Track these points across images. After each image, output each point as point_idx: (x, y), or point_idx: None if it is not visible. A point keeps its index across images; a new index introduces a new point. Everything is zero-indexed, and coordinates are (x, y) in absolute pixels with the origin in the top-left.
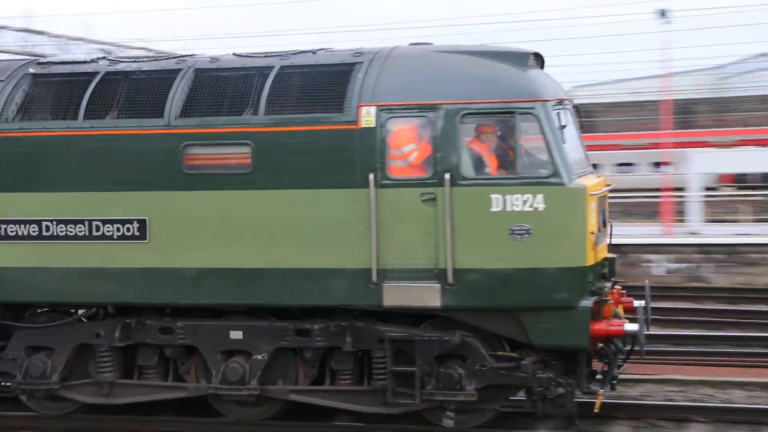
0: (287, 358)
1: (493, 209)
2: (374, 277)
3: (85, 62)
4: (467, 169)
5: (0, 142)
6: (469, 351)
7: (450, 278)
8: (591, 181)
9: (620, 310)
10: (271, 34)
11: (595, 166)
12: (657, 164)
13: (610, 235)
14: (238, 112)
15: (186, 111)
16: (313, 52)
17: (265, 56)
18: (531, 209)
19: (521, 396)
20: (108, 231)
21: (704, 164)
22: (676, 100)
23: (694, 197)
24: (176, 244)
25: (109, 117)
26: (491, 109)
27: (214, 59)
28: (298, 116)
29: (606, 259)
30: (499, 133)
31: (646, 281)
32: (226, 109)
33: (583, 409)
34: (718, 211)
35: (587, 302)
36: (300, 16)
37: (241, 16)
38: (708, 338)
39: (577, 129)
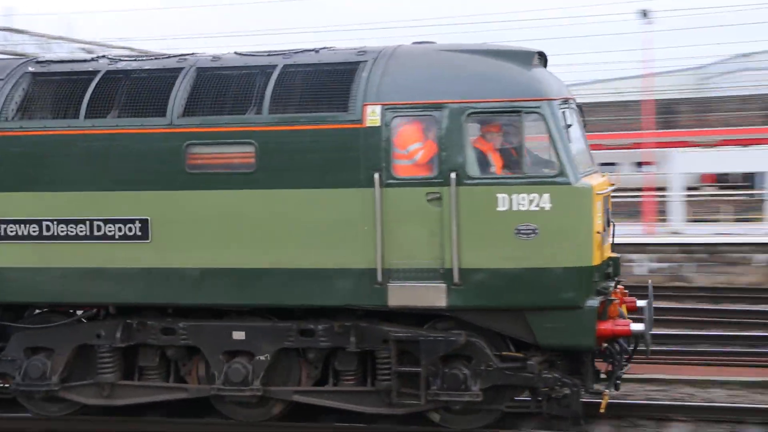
0: (290, 359)
1: (499, 208)
2: (379, 277)
3: (85, 61)
4: (473, 168)
5: (0, 141)
6: (474, 351)
7: (456, 278)
8: (596, 181)
9: (624, 309)
10: (255, 34)
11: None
12: (639, 164)
13: (613, 234)
14: (241, 111)
15: (189, 110)
16: (316, 50)
17: (268, 55)
18: (537, 209)
19: (521, 396)
20: (109, 231)
21: (686, 164)
22: (658, 100)
23: (676, 197)
24: (179, 244)
25: (110, 116)
26: (497, 108)
27: (215, 58)
28: (302, 115)
29: (610, 258)
30: (505, 132)
31: (649, 281)
32: (229, 108)
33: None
34: (699, 211)
35: (593, 302)
36: (282, 16)
37: (221, 16)
38: (689, 337)
39: (582, 128)
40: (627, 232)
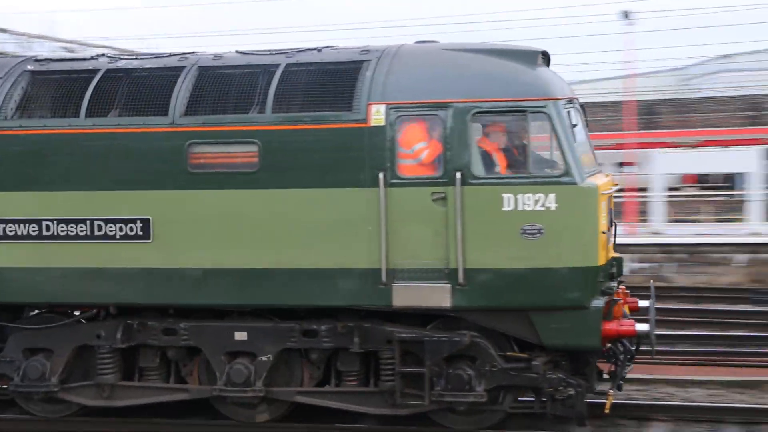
0: (292, 360)
1: (504, 208)
2: (383, 277)
3: (84, 59)
4: (478, 168)
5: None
6: (478, 351)
7: (461, 278)
8: (601, 181)
9: (626, 309)
10: (237, 34)
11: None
12: (621, 164)
13: (615, 234)
14: (244, 111)
15: (191, 109)
16: (318, 49)
17: (270, 54)
18: (543, 209)
19: (522, 397)
20: (110, 231)
21: (667, 165)
22: (639, 100)
23: (657, 197)
24: (180, 244)
25: (111, 115)
26: (503, 108)
27: (217, 56)
28: (306, 114)
29: (613, 258)
30: (510, 131)
31: (651, 281)
32: (232, 107)
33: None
34: (680, 211)
35: (599, 302)
36: (265, 15)
37: (203, 15)
38: (670, 337)
39: (585, 128)
40: None
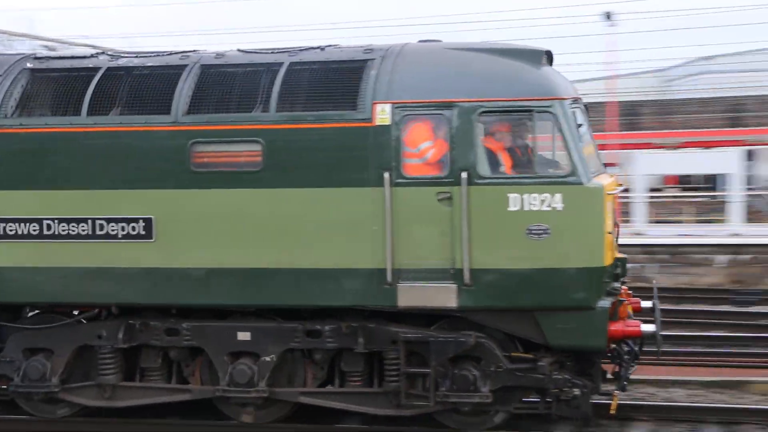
0: (296, 360)
1: (510, 208)
2: (389, 278)
3: (84, 57)
4: (484, 167)
5: None
6: (483, 352)
7: (467, 278)
8: (606, 181)
9: (629, 310)
10: (222, 33)
11: None
12: (603, 165)
13: (618, 235)
14: (247, 109)
15: (193, 107)
16: (321, 48)
17: (272, 52)
18: (549, 209)
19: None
20: (112, 230)
21: (649, 166)
22: (621, 101)
23: (639, 198)
24: (183, 243)
25: (113, 113)
26: (509, 107)
27: (219, 55)
28: (310, 113)
29: (618, 259)
30: (516, 131)
31: (654, 281)
32: (235, 105)
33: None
34: (662, 212)
35: (605, 303)
36: (249, 14)
37: (185, 13)
38: (651, 337)
39: (589, 128)
40: None
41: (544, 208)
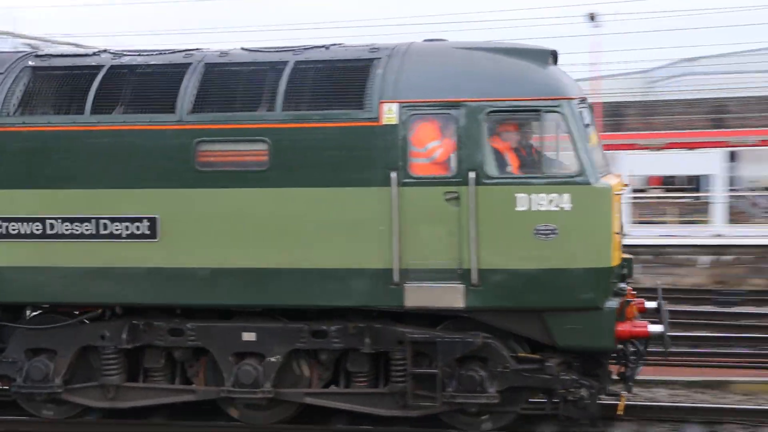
0: (301, 360)
1: (518, 208)
2: (395, 278)
3: (86, 55)
4: (492, 167)
5: (1, 136)
6: (490, 352)
7: (474, 278)
8: (613, 181)
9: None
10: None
11: None
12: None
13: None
14: (253, 108)
15: (198, 106)
16: (326, 47)
17: (277, 51)
18: (557, 209)
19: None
20: (116, 229)
21: (633, 166)
22: (605, 102)
23: (623, 199)
24: (188, 243)
25: (116, 112)
26: (517, 107)
27: (223, 53)
28: (316, 112)
29: (624, 259)
30: (524, 131)
31: (658, 282)
32: (240, 104)
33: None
34: (646, 213)
35: (613, 303)
36: (234, 14)
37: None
38: None
39: (595, 128)
40: None
41: (552, 208)
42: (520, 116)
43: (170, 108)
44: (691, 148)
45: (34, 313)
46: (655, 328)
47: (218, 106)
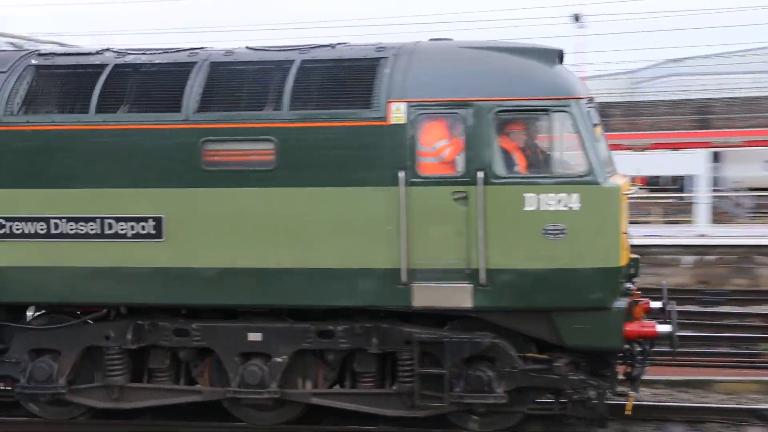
0: (306, 361)
1: (526, 208)
2: (403, 278)
3: (90, 54)
4: (500, 167)
5: (5, 135)
6: (498, 353)
7: (482, 278)
8: (621, 181)
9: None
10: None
11: None
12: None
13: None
14: (259, 107)
15: (204, 105)
16: (332, 46)
17: (283, 50)
18: (565, 209)
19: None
20: (122, 229)
21: (618, 167)
22: None
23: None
24: (194, 243)
25: (121, 111)
26: (526, 107)
27: (228, 52)
28: (323, 112)
29: (631, 259)
30: (532, 131)
31: (663, 282)
32: (247, 103)
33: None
34: (630, 213)
35: (621, 303)
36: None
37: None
38: None
39: (602, 128)
40: None
41: (561, 208)
42: (529, 116)
43: (176, 107)
44: (675, 149)
45: (38, 314)
46: (664, 328)
47: (224, 105)
